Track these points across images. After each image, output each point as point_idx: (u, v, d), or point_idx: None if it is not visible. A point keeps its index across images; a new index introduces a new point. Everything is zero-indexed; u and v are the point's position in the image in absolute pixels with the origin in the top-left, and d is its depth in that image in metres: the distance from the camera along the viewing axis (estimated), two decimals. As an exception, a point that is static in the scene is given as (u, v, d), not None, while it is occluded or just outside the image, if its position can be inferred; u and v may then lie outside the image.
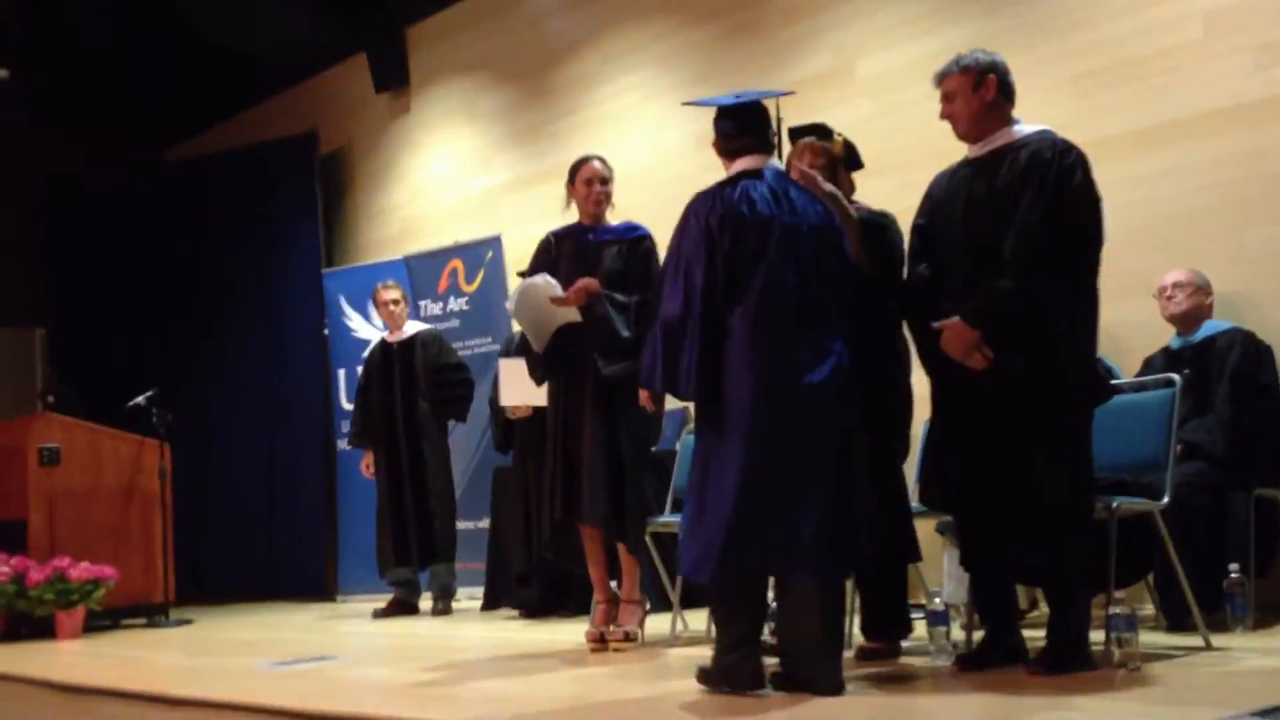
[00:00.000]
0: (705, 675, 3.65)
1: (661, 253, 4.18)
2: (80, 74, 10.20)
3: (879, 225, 4.23)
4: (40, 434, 7.27)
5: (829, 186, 4.06)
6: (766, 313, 3.58)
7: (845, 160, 4.39)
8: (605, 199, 5.08)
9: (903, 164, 5.83)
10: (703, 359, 3.58)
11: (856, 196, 4.47)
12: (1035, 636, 3.90)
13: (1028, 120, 3.90)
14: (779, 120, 4.24)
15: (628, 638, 4.81)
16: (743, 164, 3.85)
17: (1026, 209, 3.65)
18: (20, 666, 5.50)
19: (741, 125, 3.90)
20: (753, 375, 3.56)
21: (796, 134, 4.45)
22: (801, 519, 3.49)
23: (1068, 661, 3.56)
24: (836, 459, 3.58)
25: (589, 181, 5.07)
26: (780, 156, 4.32)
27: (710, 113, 4.01)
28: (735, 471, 3.52)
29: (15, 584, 6.68)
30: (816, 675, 3.50)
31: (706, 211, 3.69)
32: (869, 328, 4.04)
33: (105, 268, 10.49)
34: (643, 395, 4.59)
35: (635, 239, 5.02)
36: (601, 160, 5.13)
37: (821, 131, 4.43)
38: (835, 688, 3.47)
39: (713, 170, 7.11)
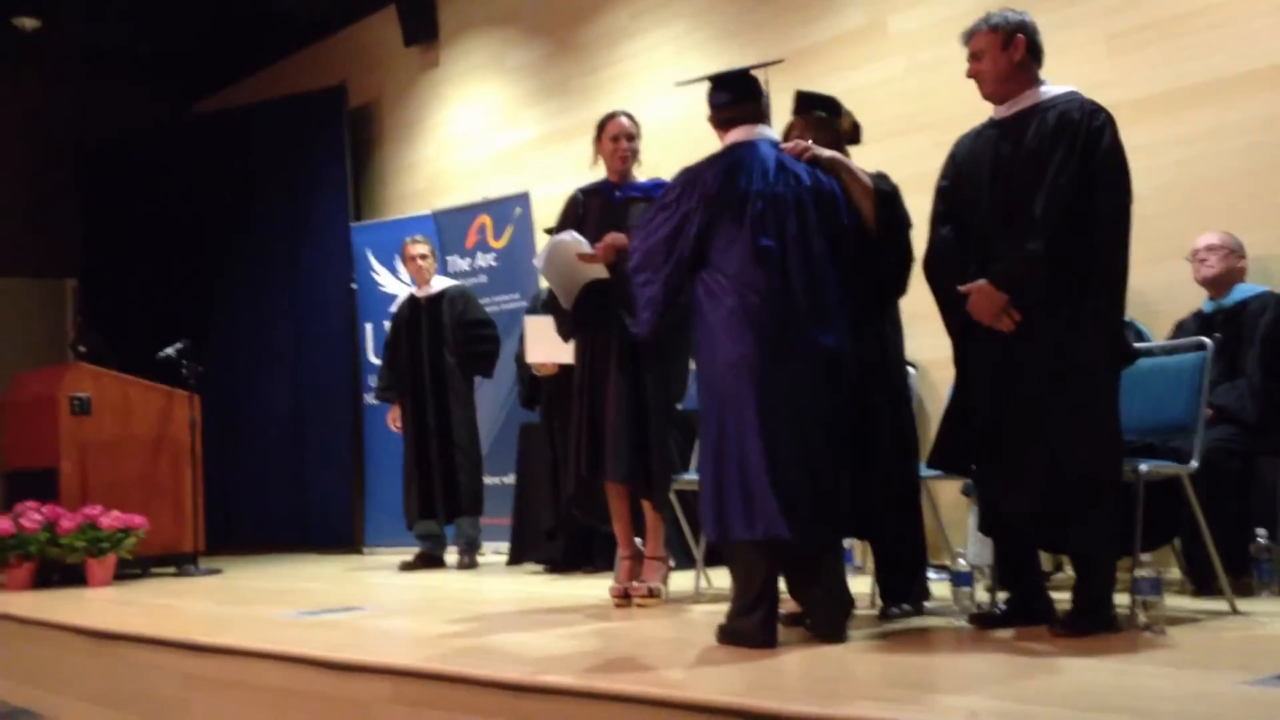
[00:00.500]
0: (723, 633, 3.74)
1: None
2: (111, 25, 10.21)
3: (892, 192, 4.20)
4: (71, 384, 7.33)
5: (828, 153, 4.00)
6: (749, 287, 3.68)
7: (851, 136, 4.35)
8: (632, 155, 5.05)
9: (935, 123, 5.78)
10: (658, 308, 3.87)
11: (879, 161, 4.43)
12: (1062, 599, 3.90)
13: (1062, 80, 3.85)
14: (767, 89, 4.19)
15: (651, 594, 4.84)
16: (735, 135, 3.96)
17: (1056, 171, 3.61)
18: (52, 613, 5.58)
19: (732, 97, 4.01)
20: (739, 348, 3.67)
21: (805, 103, 4.38)
22: (813, 480, 3.63)
23: (1090, 623, 3.56)
24: (837, 422, 3.70)
25: (615, 138, 5.04)
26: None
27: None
28: (753, 436, 3.61)
29: (47, 531, 6.77)
30: (827, 632, 3.70)
31: (685, 187, 3.85)
32: (867, 295, 4.03)
33: (136, 219, 10.54)
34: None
35: None
36: (629, 116, 5.10)
37: (832, 107, 4.38)
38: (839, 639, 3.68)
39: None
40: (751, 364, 3.65)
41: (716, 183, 3.80)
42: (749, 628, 3.67)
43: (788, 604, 3.97)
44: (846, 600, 3.80)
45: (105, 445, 7.36)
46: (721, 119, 4.03)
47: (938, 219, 3.97)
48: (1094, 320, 3.62)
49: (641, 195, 5.00)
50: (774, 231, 3.73)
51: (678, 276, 3.85)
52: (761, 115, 4.02)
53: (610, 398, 4.83)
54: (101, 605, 6.07)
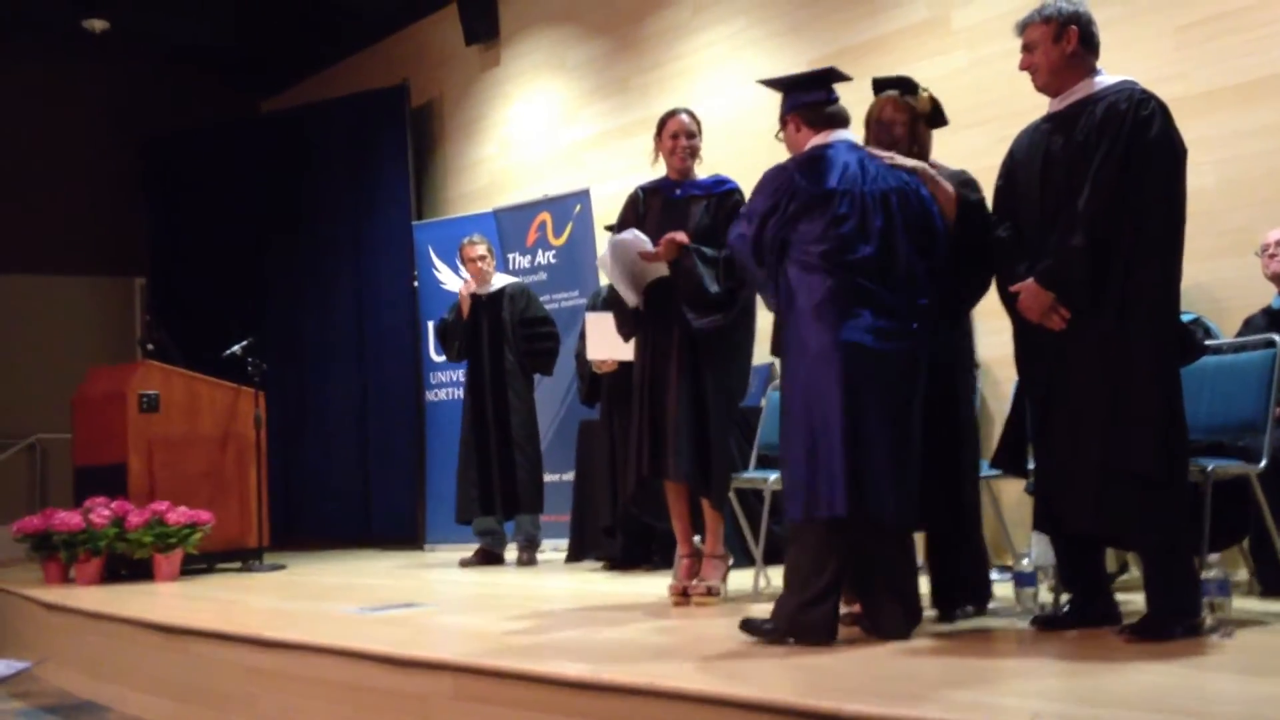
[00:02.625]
0: (787, 623, 3.68)
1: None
2: (178, 25, 10.36)
3: (976, 201, 4.16)
4: (140, 381, 7.45)
5: (912, 162, 4.01)
6: (836, 279, 3.73)
7: (929, 117, 4.30)
8: (691, 153, 5.04)
9: (998, 117, 5.73)
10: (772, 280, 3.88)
11: (942, 155, 4.39)
12: (1126, 600, 3.84)
13: (1127, 73, 3.79)
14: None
15: (711, 592, 4.83)
16: (823, 137, 4.01)
17: (1100, 163, 3.56)
18: (120, 607, 5.68)
19: (825, 98, 4.07)
20: (826, 336, 3.70)
21: (880, 85, 4.36)
22: (896, 469, 3.68)
23: (1167, 628, 3.47)
24: (912, 416, 3.76)
25: (675, 135, 5.03)
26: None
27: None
28: (836, 422, 3.64)
29: (116, 526, 6.89)
30: (886, 623, 3.73)
31: (777, 183, 3.88)
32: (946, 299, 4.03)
33: (202, 218, 10.68)
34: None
35: (723, 193, 4.98)
36: (689, 114, 5.09)
37: (906, 85, 4.33)
38: (902, 633, 3.69)
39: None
40: (835, 352, 3.68)
41: (804, 180, 3.84)
42: (816, 620, 3.64)
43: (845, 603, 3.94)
44: (914, 608, 3.79)
45: (173, 442, 7.47)
46: (814, 118, 4.05)
47: (995, 218, 3.94)
48: (1144, 315, 3.55)
49: (702, 193, 4.98)
50: (858, 228, 3.78)
51: (773, 267, 3.87)
52: (846, 117, 4.08)
53: (671, 396, 4.82)
54: (168, 600, 6.16)
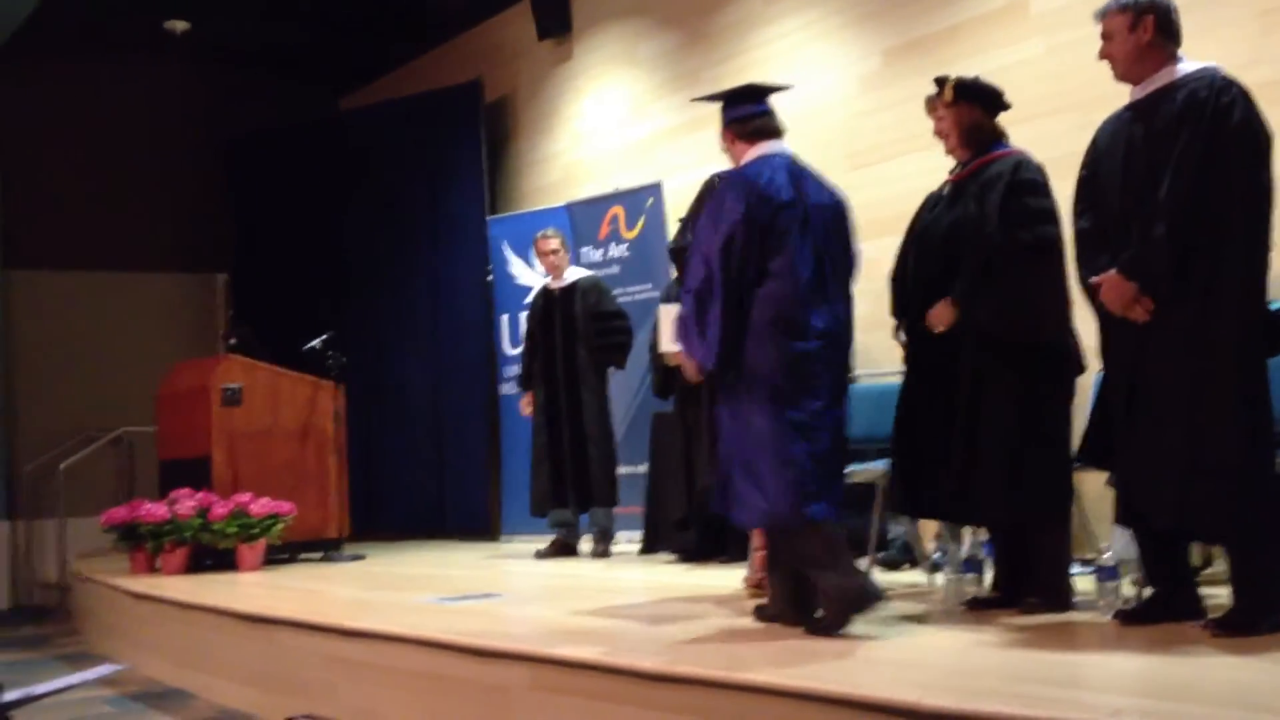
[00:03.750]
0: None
1: None
2: (257, 26, 10.52)
3: (1028, 183, 4.13)
4: (223, 375, 7.59)
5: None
6: (788, 288, 3.85)
7: (981, 100, 4.27)
8: None
9: (1077, 104, 5.64)
10: (725, 334, 3.87)
11: (1020, 142, 4.35)
12: (1212, 594, 3.78)
13: (1209, 59, 3.72)
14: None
15: (786, 584, 4.81)
16: (760, 149, 4.08)
17: (1180, 152, 3.51)
18: (206, 596, 5.79)
19: (755, 111, 4.14)
20: (780, 350, 3.83)
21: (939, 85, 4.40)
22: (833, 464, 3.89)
23: (1253, 623, 3.41)
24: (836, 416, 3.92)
25: None
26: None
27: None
28: (798, 426, 3.80)
29: (200, 518, 7.02)
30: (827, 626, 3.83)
31: (745, 194, 3.90)
32: (1028, 283, 4.04)
33: (283, 215, 10.84)
34: (688, 368, 4.87)
35: None
36: None
37: (939, 83, 4.39)
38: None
39: (873, 114, 7.02)
40: (793, 363, 3.83)
41: (769, 193, 3.91)
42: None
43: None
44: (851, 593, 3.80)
45: (255, 434, 7.60)
46: (745, 132, 4.13)
47: (1078, 210, 3.89)
48: (1229, 305, 3.49)
49: None
50: (811, 241, 3.91)
51: (737, 291, 3.89)
52: (779, 129, 4.16)
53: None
54: (252, 589, 6.27)
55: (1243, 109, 3.51)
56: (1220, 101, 3.51)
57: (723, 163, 5.19)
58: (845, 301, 4.02)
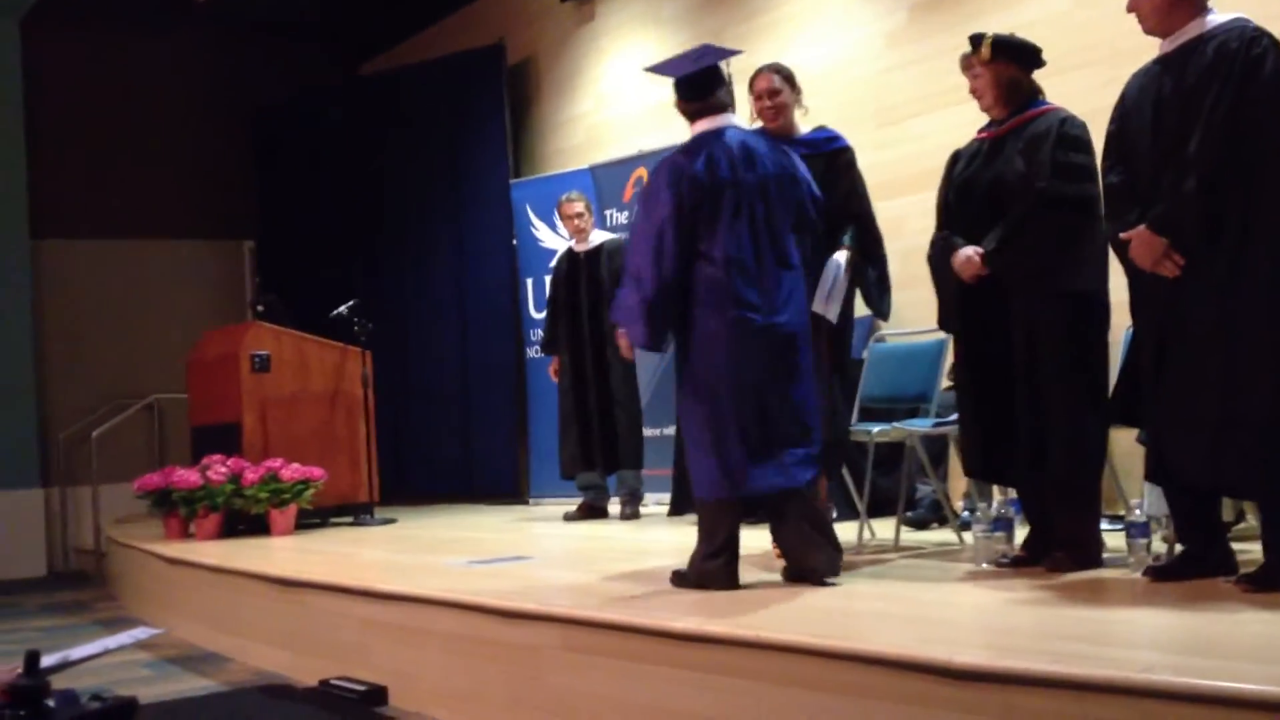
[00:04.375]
0: (685, 576, 4.12)
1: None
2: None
3: (1073, 139, 4.09)
4: (252, 342, 7.63)
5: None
6: (728, 265, 3.98)
7: (1018, 57, 4.23)
8: (777, 112, 4.85)
9: (1105, 58, 5.58)
10: (668, 317, 4.07)
11: (1050, 97, 4.30)
12: (1243, 550, 3.76)
13: (1240, 9, 3.66)
14: (730, 77, 4.38)
15: (815, 544, 4.82)
16: (704, 125, 4.17)
17: (1211, 105, 3.46)
18: (239, 561, 5.85)
19: (700, 88, 4.20)
20: (719, 321, 3.98)
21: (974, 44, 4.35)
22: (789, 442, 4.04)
23: (1280, 577, 3.40)
24: (796, 386, 4.07)
25: (759, 96, 4.88)
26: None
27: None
28: (726, 408, 3.99)
29: (232, 483, 7.09)
30: (820, 565, 4.06)
31: (676, 179, 4.02)
32: (1064, 238, 4.01)
33: (307, 181, 10.86)
34: (623, 344, 5.10)
35: (833, 151, 4.83)
36: (774, 69, 4.89)
37: (972, 42, 4.33)
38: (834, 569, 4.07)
39: (897, 70, 6.94)
40: (728, 336, 3.98)
41: (699, 172, 4.01)
42: (716, 570, 4.07)
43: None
44: (837, 546, 4.16)
45: (284, 400, 7.65)
46: (690, 110, 4.22)
47: (1106, 165, 3.85)
48: (1261, 259, 3.45)
49: (809, 150, 4.76)
50: (746, 218, 4.02)
51: (674, 271, 4.02)
52: (728, 104, 4.22)
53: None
54: (284, 553, 6.33)
55: (1274, 60, 3.45)
56: (1251, 53, 3.46)
57: (746, 126, 5.17)
58: (791, 271, 4.09)
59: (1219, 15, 3.64)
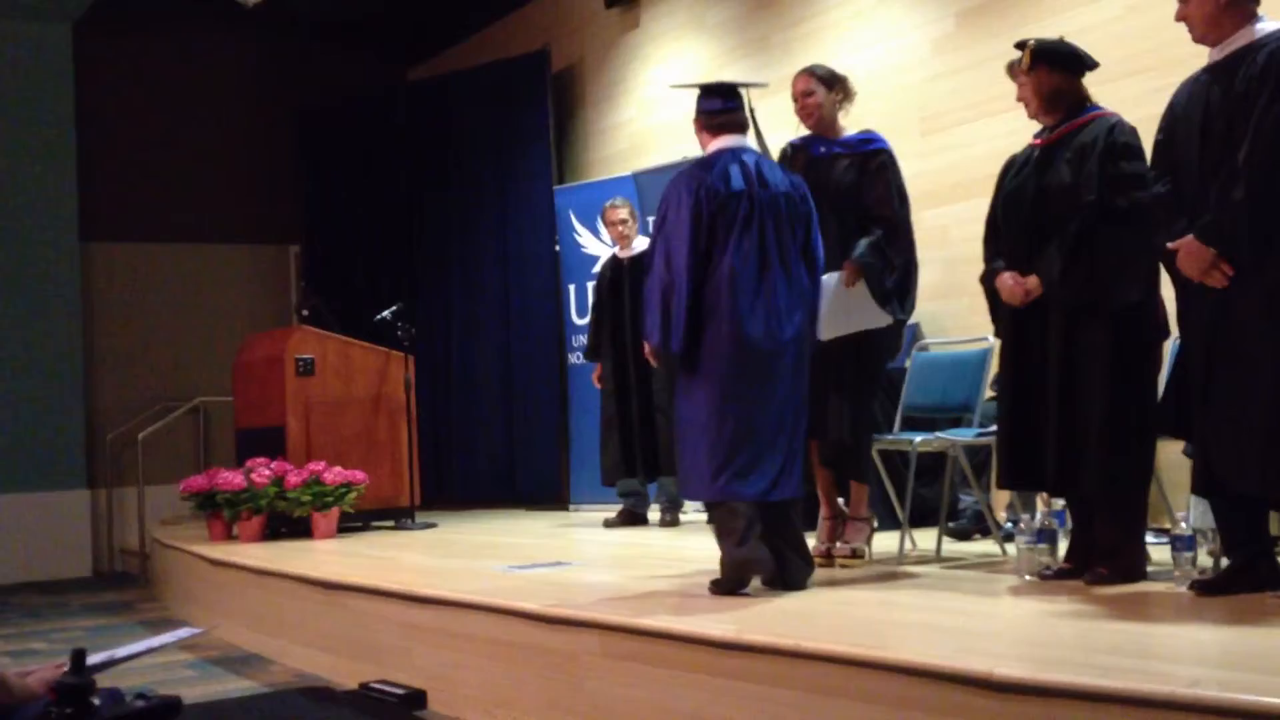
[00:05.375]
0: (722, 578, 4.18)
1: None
2: (328, -1, 10.60)
3: (1123, 147, 4.05)
4: (297, 346, 7.69)
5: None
6: (735, 277, 4.14)
7: (1061, 64, 4.19)
8: (813, 111, 4.89)
9: (1156, 65, 5.52)
10: (688, 320, 4.17)
11: (1106, 104, 4.26)
12: (1290, 566, 3.71)
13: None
14: (752, 110, 4.52)
15: (855, 554, 4.80)
16: (722, 142, 4.38)
17: (1260, 113, 3.42)
18: (281, 563, 5.89)
19: (722, 106, 4.40)
20: (723, 330, 4.14)
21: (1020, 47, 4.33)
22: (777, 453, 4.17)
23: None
24: (799, 402, 4.26)
25: (795, 97, 4.94)
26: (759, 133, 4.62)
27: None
28: (723, 415, 4.13)
29: (276, 486, 7.14)
30: (791, 576, 4.22)
31: (695, 188, 4.20)
32: (1116, 251, 3.96)
33: (353, 187, 10.93)
34: (647, 349, 5.27)
35: (868, 152, 4.87)
36: (811, 71, 4.93)
37: (1020, 48, 4.32)
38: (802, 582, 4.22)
39: (943, 78, 6.90)
40: (730, 345, 4.13)
41: (717, 185, 4.21)
42: (748, 559, 4.12)
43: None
44: (808, 559, 4.33)
45: (328, 404, 7.70)
46: (711, 124, 4.42)
47: (1154, 175, 3.81)
48: None
49: (846, 151, 4.86)
50: (756, 231, 4.19)
51: (690, 278, 4.18)
52: (744, 124, 4.45)
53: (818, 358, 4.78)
54: (326, 556, 6.37)
55: None
56: None
57: (789, 133, 5.17)
58: (794, 286, 4.25)
59: (1269, 23, 3.60)
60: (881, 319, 4.71)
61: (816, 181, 4.78)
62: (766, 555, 4.13)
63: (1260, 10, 3.67)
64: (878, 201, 4.76)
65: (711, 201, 4.17)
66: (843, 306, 4.68)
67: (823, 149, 4.93)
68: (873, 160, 4.83)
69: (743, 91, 4.46)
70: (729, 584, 4.13)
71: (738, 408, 4.12)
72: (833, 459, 4.87)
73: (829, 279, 4.62)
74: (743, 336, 4.13)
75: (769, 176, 4.31)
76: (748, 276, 4.15)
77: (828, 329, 4.63)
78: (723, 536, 4.19)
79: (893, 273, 4.72)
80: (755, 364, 4.14)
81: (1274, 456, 3.42)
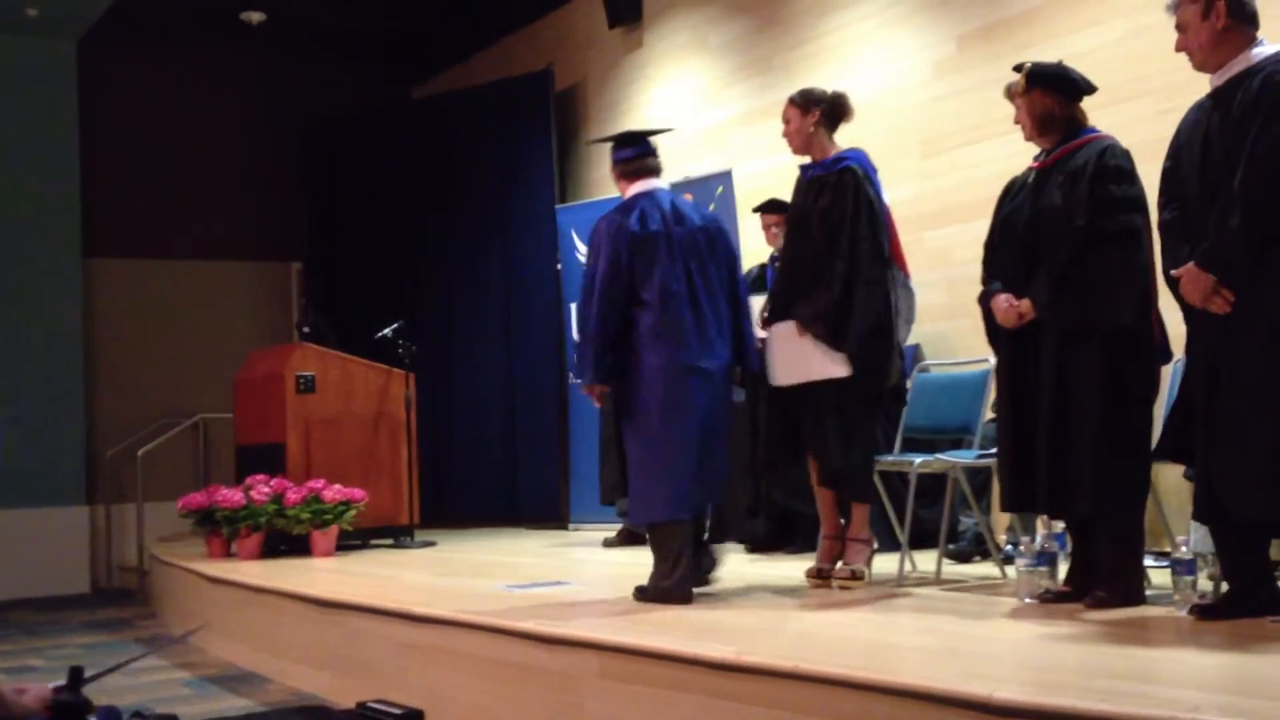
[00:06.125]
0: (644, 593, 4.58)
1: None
2: (331, 16, 10.62)
3: (1113, 170, 4.05)
4: (297, 363, 7.69)
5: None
6: (663, 309, 4.48)
7: (1055, 88, 4.20)
8: (790, 138, 4.91)
9: (1157, 89, 5.54)
10: (612, 356, 4.53)
11: (1101, 128, 4.27)
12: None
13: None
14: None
15: (854, 575, 4.78)
16: (638, 186, 4.71)
17: (1254, 139, 3.43)
18: (280, 581, 5.88)
19: (634, 153, 4.76)
20: (656, 358, 4.47)
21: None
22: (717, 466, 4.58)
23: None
24: (724, 425, 4.61)
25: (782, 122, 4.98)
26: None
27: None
28: (667, 436, 4.48)
29: (275, 503, 7.13)
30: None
31: (614, 232, 4.53)
32: (1110, 270, 3.96)
33: (355, 204, 10.95)
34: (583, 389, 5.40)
35: (839, 170, 4.79)
36: (790, 99, 4.92)
37: (1018, 71, 4.32)
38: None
39: (945, 100, 6.92)
40: (664, 371, 4.47)
41: (633, 228, 4.52)
42: (671, 589, 4.50)
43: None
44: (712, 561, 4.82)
45: (328, 422, 7.70)
46: (626, 172, 4.76)
47: (1161, 201, 3.82)
48: None
49: (823, 172, 4.84)
50: (682, 267, 4.53)
51: (614, 317, 4.52)
52: (657, 169, 4.79)
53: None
54: (325, 574, 6.36)
55: None
56: None
57: (791, 154, 5.17)
58: (719, 317, 4.59)
59: (1268, 47, 3.61)
60: (840, 370, 4.60)
61: (803, 205, 4.80)
62: (689, 589, 4.51)
63: (1260, 35, 3.68)
64: (842, 221, 4.69)
65: (630, 244, 4.50)
66: (799, 354, 4.68)
67: (807, 173, 4.93)
68: (842, 178, 4.76)
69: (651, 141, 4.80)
70: (648, 599, 4.54)
71: (674, 433, 4.46)
72: (832, 479, 4.86)
73: (784, 327, 4.71)
74: (674, 363, 4.46)
75: (684, 214, 4.64)
76: (675, 310, 4.48)
77: (783, 375, 4.72)
78: (660, 559, 4.57)
79: (861, 320, 4.61)
80: (687, 392, 4.47)
81: (1274, 478, 3.41)
